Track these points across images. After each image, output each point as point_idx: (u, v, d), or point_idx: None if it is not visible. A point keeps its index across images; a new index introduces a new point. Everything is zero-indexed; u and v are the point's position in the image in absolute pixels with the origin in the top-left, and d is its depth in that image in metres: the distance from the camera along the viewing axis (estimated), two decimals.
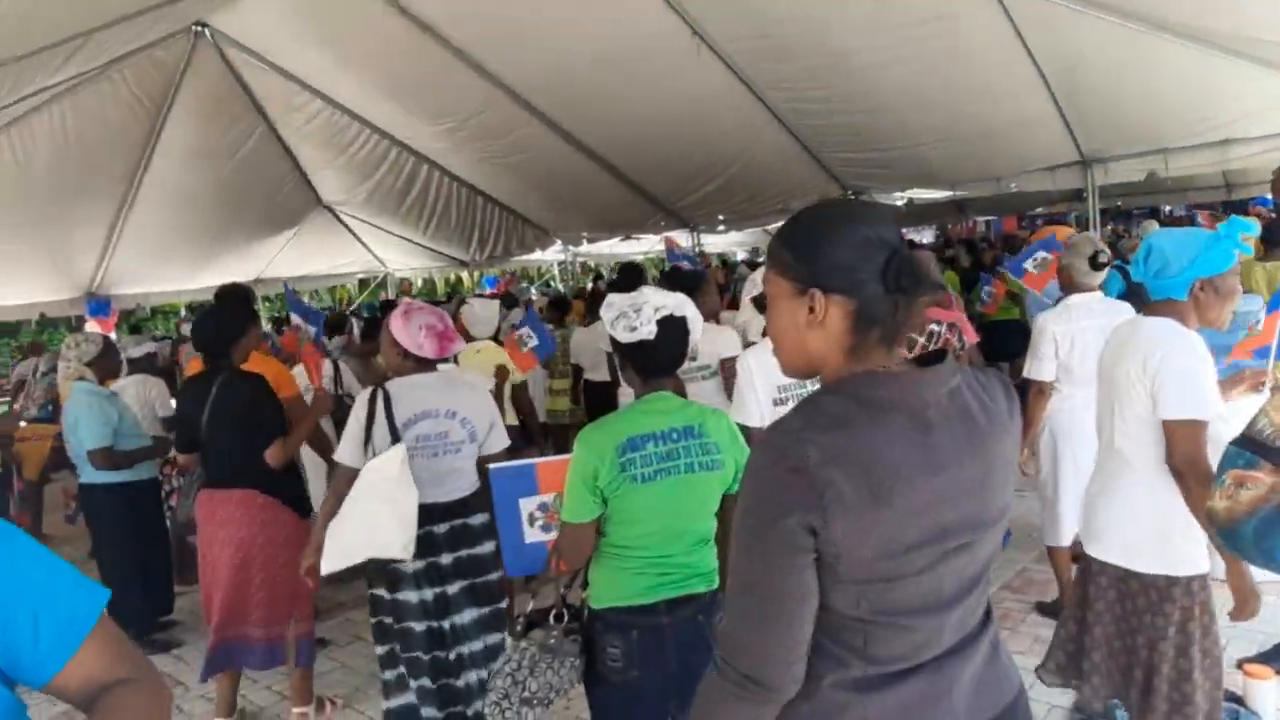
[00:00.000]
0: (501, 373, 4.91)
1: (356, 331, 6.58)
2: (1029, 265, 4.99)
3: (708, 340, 4.07)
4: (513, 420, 5.10)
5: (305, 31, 7.21)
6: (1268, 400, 1.69)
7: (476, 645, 2.95)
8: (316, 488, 4.60)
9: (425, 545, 2.87)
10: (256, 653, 3.48)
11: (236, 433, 3.40)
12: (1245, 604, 2.27)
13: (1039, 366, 3.72)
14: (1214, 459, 1.97)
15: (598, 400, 6.16)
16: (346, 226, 11.02)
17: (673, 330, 2.17)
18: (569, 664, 2.12)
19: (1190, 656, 2.24)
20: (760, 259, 13.96)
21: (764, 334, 2.81)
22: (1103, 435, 2.51)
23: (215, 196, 8.85)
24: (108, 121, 7.18)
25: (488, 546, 2.99)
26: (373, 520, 2.71)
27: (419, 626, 2.90)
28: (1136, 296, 4.43)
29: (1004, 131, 6.76)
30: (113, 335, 8.55)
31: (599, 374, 6.30)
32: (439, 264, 12.49)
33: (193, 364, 5.50)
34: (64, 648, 1.08)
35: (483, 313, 5.27)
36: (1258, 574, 2.16)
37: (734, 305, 6.74)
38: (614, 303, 2.19)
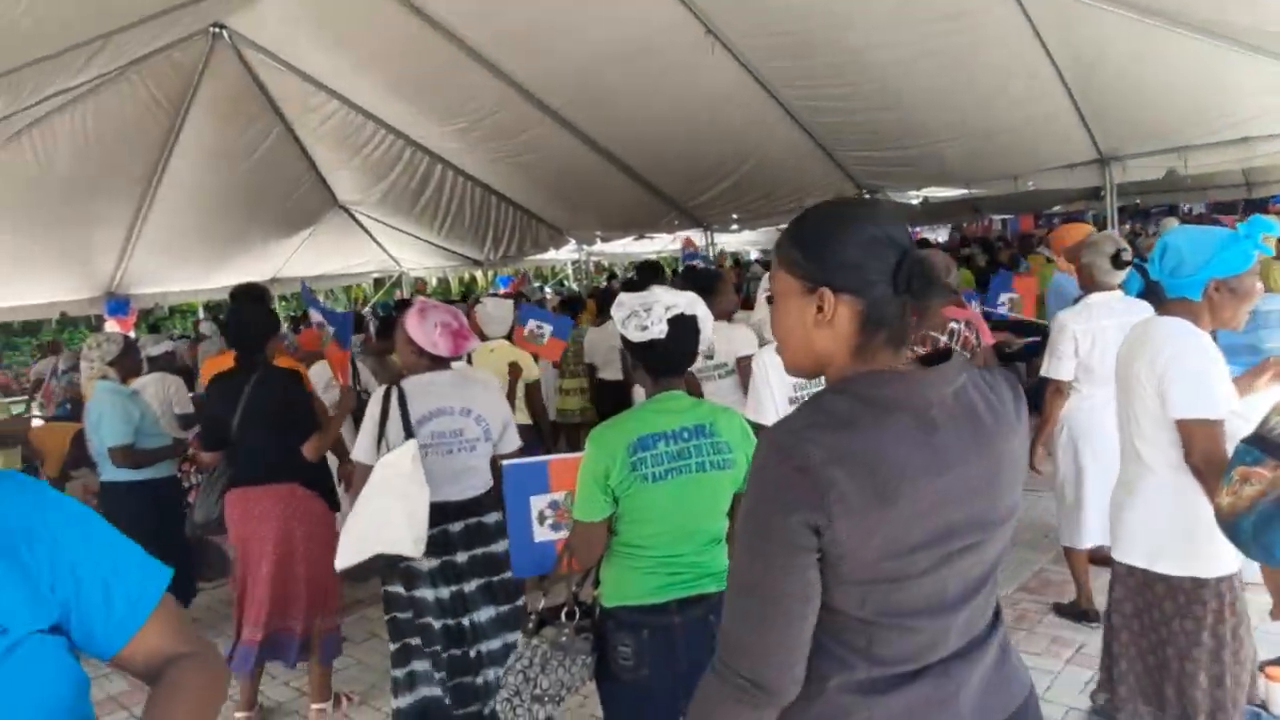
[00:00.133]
0: (515, 371, 4.92)
1: (373, 330, 6.62)
2: (1004, 301, 5.00)
3: (724, 339, 4.07)
4: (525, 419, 5.12)
5: (321, 32, 7.26)
6: None
7: (495, 644, 2.96)
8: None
9: (440, 544, 2.89)
10: (296, 646, 3.51)
11: (273, 428, 3.41)
12: None
13: (1057, 365, 3.69)
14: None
15: (611, 399, 6.16)
16: (362, 226, 11.08)
17: (684, 329, 2.17)
18: (580, 662, 2.12)
19: (1222, 660, 2.21)
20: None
21: None
22: (1123, 437, 2.49)
23: (232, 196, 8.92)
24: (127, 122, 7.26)
25: (503, 544, 3.00)
26: (383, 516, 2.72)
27: (436, 624, 2.92)
28: (1155, 295, 4.41)
29: (1021, 129, 6.72)
30: (131, 334, 8.63)
31: (612, 372, 6.31)
32: (453, 263, 12.54)
33: (209, 362, 5.55)
34: (133, 620, 1.12)
35: (496, 312, 5.28)
36: None
37: (748, 305, 6.74)
38: (625, 302, 2.19)
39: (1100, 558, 4.25)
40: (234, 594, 3.62)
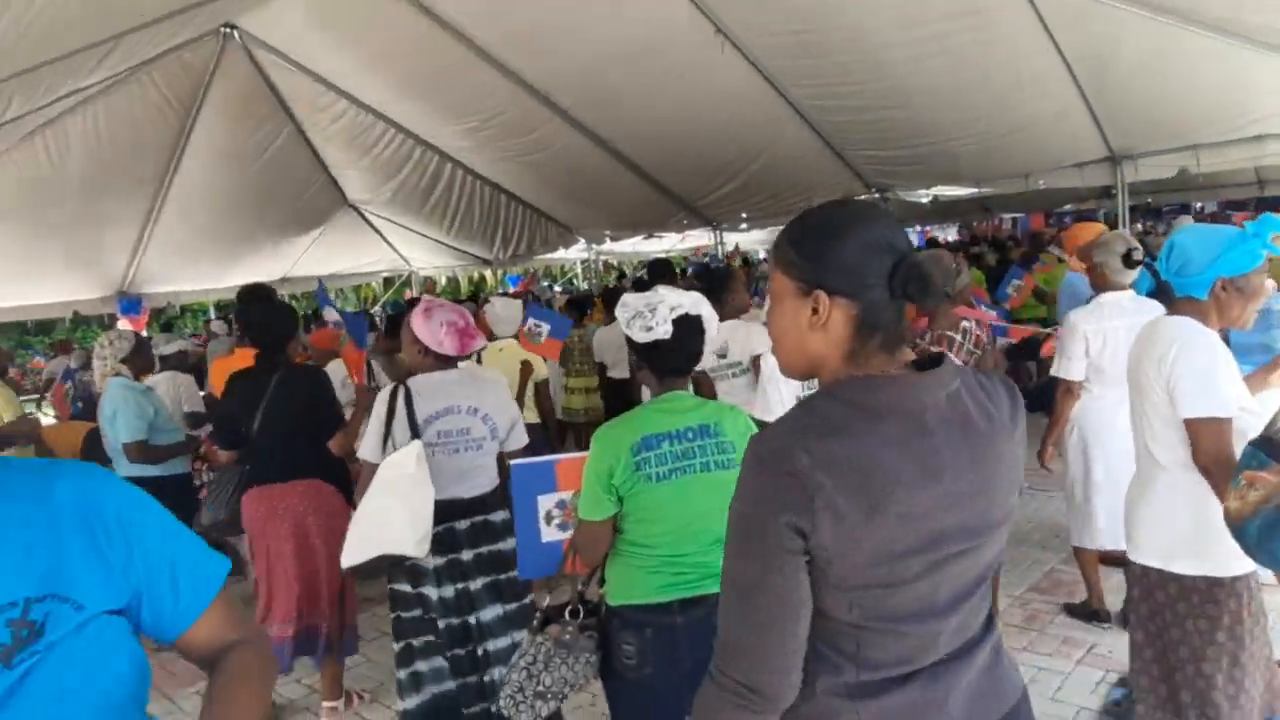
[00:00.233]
0: (525, 370, 4.93)
1: (382, 329, 6.65)
2: (1010, 290, 4.98)
3: (739, 337, 4.07)
4: (534, 418, 5.13)
5: (332, 32, 7.29)
6: None
7: (501, 642, 2.94)
8: None
9: (446, 541, 2.88)
10: (324, 642, 3.52)
11: (299, 426, 3.43)
12: None
13: (1067, 365, 3.68)
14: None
15: (621, 398, 6.17)
16: (371, 225, 11.12)
17: (689, 329, 2.17)
18: (584, 660, 2.13)
19: (1241, 663, 2.20)
20: None
21: None
22: (1136, 437, 2.48)
23: (243, 196, 8.96)
24: (138, 123, 7.30)
25: (510, 542, 2.99)
26: (386, 516, 2.71)
27: (441, 622, 2.92)
28: (1165, 295, 4.39)
29: (1032, 127, 6.69)
30: (143, 333, 8.68)
31: (621, 371, 6.32)
32: (462, 262, 12.57)
33: (216, 362, 5.57)
34: (198, 604, 1.18)
35: (504, 312, 5.29)
36: None
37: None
38: (629, 302, 2.19)
39: (1112, 558, 4.24)
40: (254, 592, 3.63)
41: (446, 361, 2.99)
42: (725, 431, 2.15)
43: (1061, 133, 6.65)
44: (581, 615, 2.17)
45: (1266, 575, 2.21)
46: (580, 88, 7.66)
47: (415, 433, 2.83)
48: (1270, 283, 2.37)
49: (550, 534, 2.57)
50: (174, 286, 10.02)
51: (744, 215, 10.10)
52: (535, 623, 2.20)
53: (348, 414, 3.81)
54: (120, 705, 1.04)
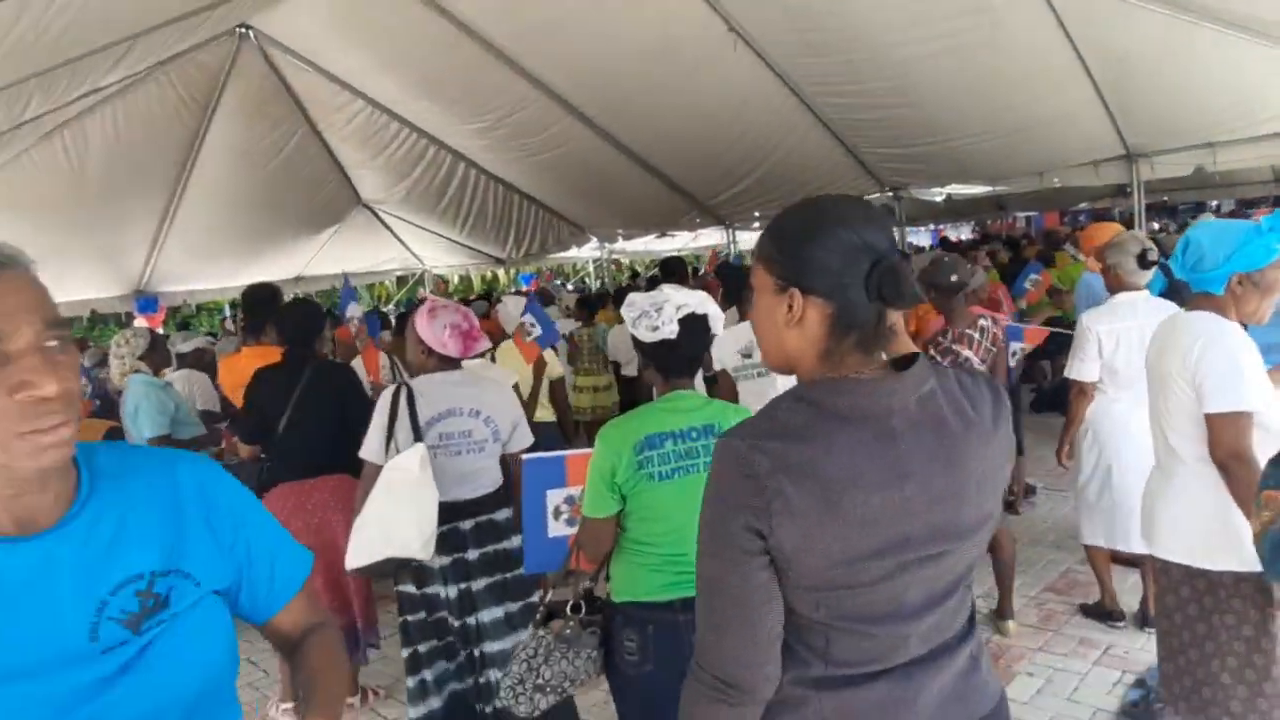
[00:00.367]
0: (540, 368, 4.94)
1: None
2: (1028, 285, 4.94)
3: None
4: (550, 416, 5.14)
5: (346, 32, 7.32)
6: None
7: (501, 644, 2.92)
8: None
9: (452, 541, 2.88)
10: (358, 638, 3.54)
11: (330, 421, 3.44)
12: None
13: (1080, 366, 3.67)
14: (1268, 445, 1.97)
15: (633, 396, 6.19)
16: (385, 225, 11.16)
17: (695, 329, 2.17)
18: (585, 655, 2.13)
19: (1265, 658, 2.19)
20: None
21: None
22: (1157, 434, 2.47)
23: (258, 196, 9.01)
24: (155, 122, 7.35)
25: (514, 541, 2.99)
26: (391, 519, 2.71)
27: (448, 614, 2.92)
28: (1179, 294, 4.37)
29: (1046, 125, 6.65)
30: (160, 330, 8.74)
31: (634, 370, 6.33)
32: (475, 261, 12.59)
33: (225, 361, 5.61)
34: (289, 588, 1.27)
35: (516, 310, 5.32)
36: None
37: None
38: (635, 302, 2.19)
39: (1126, 559, 4.22)
40: None
41: (449, 362, 2.99)
42: None
43: (1076, 130, 6.60)
44: (584, 611, 2.17)
45: None
46: (593, 86, 7.66)
47: (417, 435, 2.82)
48: None
49: (557, 529, 2.58)
50: (190, 285, 10.08)
51: (757, 214, 10.08)
52: (539, 616, 2.21)
53: None
54: (220, 676, 1.12)
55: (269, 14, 6.74)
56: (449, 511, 2.83)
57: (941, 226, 17.92)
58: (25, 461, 0.96)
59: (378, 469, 2.81)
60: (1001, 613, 3.93)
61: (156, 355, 4.59)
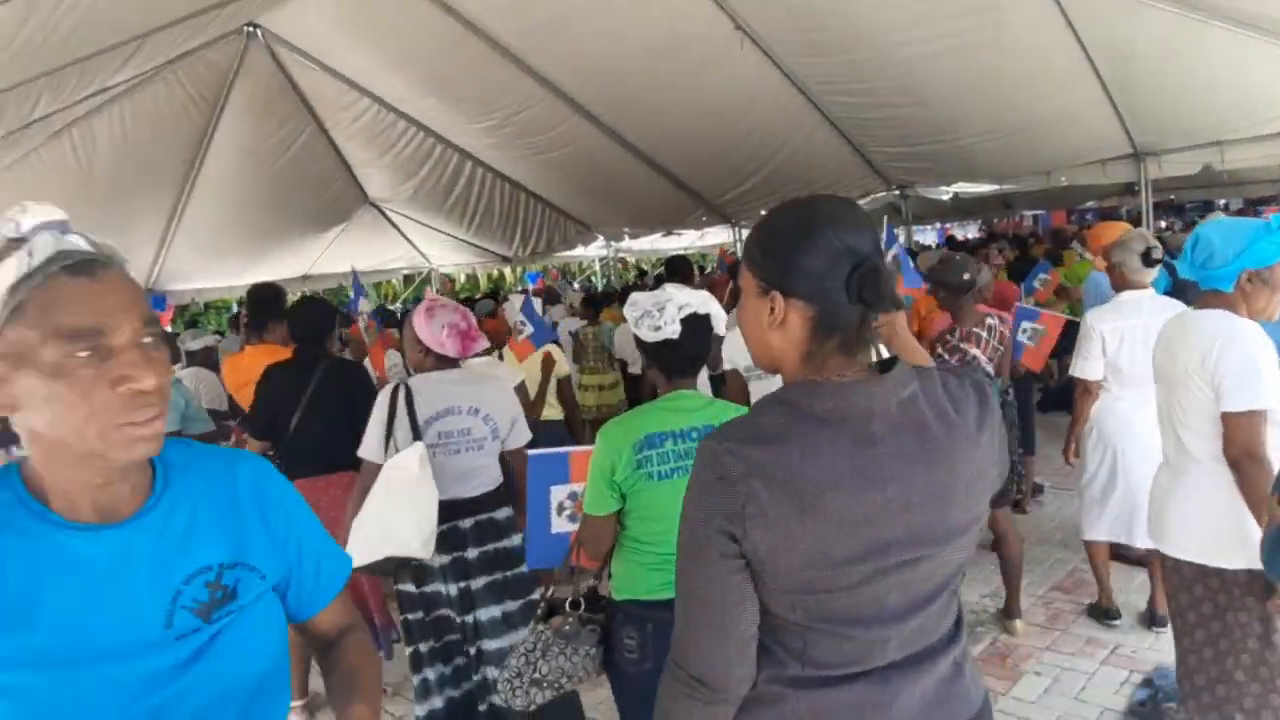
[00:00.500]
0: (548, 366, 4.94)
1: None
2: (1022, 338, 4.91)
3: None
4: (557, 415, 5.14)
5: (353, 31, 7.33)
6: None
7: (498, 642, 2.91)
8: None
9: (451, 541, 2.87)
10: (381, 635, 3.54)
11: (341, 419, 3.44)
12: None
13: (1084, 365, 3.68)
14: (1277, 440, 1.97)
15: (639, 395, 6.20)
16: (392, 223, 11.18)
17: (697, 329, 2.17)
18: (583, 652, 2.14)
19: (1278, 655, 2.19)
20: None
21: None
22: (1166, 432, 2.47)
23: (265, 194, 9.04)
24: (163, 121, 7.38)
25: (514, 539, 2.99)
26: (391, 518, 2.70)
27: (449, 611, 2.92)
28: (1183, 293, 4.36)
29: (1054, 124, 6.63)
30: (168, 329, 8.77)
31: (640, 368, 6.33)
32: (482, 260, 12.61)
33: (228, 360, 5.62)
34: (331, 588, 1.30)
35: (513, 320, 5.32)
36: None
37: None
38: (638, 301, 2.19)
39: (1134, 559, 4.21)
40: None
41: (447, 362, 2.99)
42: None
43: (1084, 129, 6.59)
44: (583, 608, 2.18)
45: None
46: (600, 85, 7.66)
47: (416, 434, 2.82)
48: None
49: (560, 525, 2.58)
50: (197, 284, 10.12)
51: (763, 212, 10.02)
52: (540, 611, 2.22)
53: None
54: (277, 666, 1.17)
55: (277, 13, 6.77)
56: (448, 510, 2.82)
57: (948, 225, 17.89)
58: (120, 453, 1.00)
59: (376, 468, 2.80)
60: (1009, 612, 3.93)
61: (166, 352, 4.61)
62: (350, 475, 3.47)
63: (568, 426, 5.20)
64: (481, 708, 2.93)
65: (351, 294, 7.03)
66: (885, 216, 6.68)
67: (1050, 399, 7.63)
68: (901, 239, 8.87)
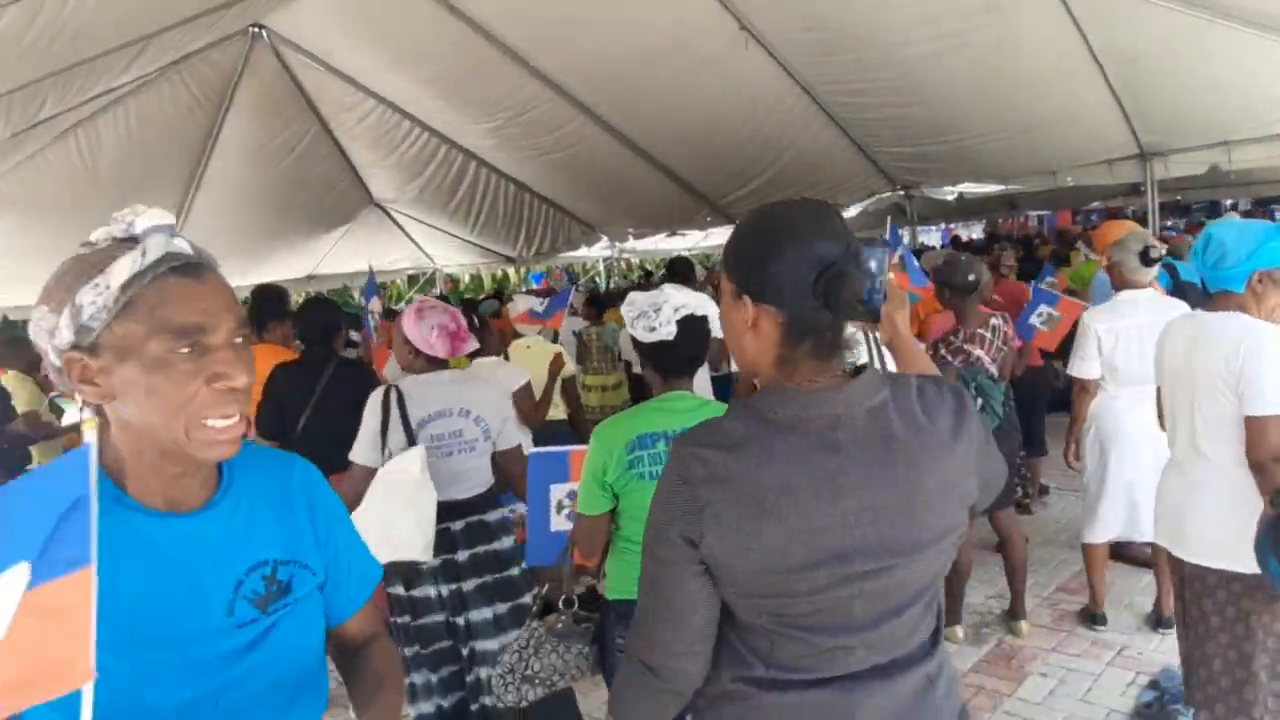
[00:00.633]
0: (555, 366, 4.94)
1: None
2: (1035, 321, 4.85)
3: None
4: (561, 414, 5.14)
5: (358, 31, 7.34)
6: None
7: (491, 644, 2.90)
8: None
9: (442, 542, 2.86)
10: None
11: (350, 419, 3.46)
12: None
13: (1080, 364, 3.70)
14: None
15: (643, 395, 6.18)
16: (397, 224, 11.17)
17: (693, 330, 2.17)
18: (575, 650, 2.14)
19: None
20: None
21: None
22: (1178, 435, 2.45)
23: (270, 195, 9.03)
24: (168, 122, 7.39)
25: (506, 542, 2.98)
26: (392, 521, 2.69)
27: (438, 617, 2.90)
28: (1184, 294, 4.35)
29: (1059, 124, 6.61)
30: None
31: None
32: (486, 260, 12.60)
33: None
34: (361, 594, 1.33)
35: (524, 308, 5.33)
36: None
37: None
38: (635, 301, 2.20)
39: (1140, 560, 4.20)
40: None
41: (437, 363, 2.97)
42: None
43: (1090, 129, 6.57)
44: (578, 606, 2.18)
45: None
46: (604, 86, 7.66)
47: (410, 437, 2.80)
48: None
49: (559, 523, 2.59)
50: None
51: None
52: (535, 609, 2.23)
53: None
54: (321, 661, 1.23)
55: (282, 13, 6.77)
56: (440, 512, 2.81)
57: (953, 225, 17.84)
58: (201, 451, 1.06)
59: (367, 471, 2.79)
60: (1014, 613, 3.91)
61: None
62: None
63: (572, 426, 5.19)
64: (473, 707, 2.91)
65: (363, 295, 7.04)
66: (889, 217, 6.68)
67: (1054, 399, 7.60)
68: (906, 239, 8.85)
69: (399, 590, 2.91)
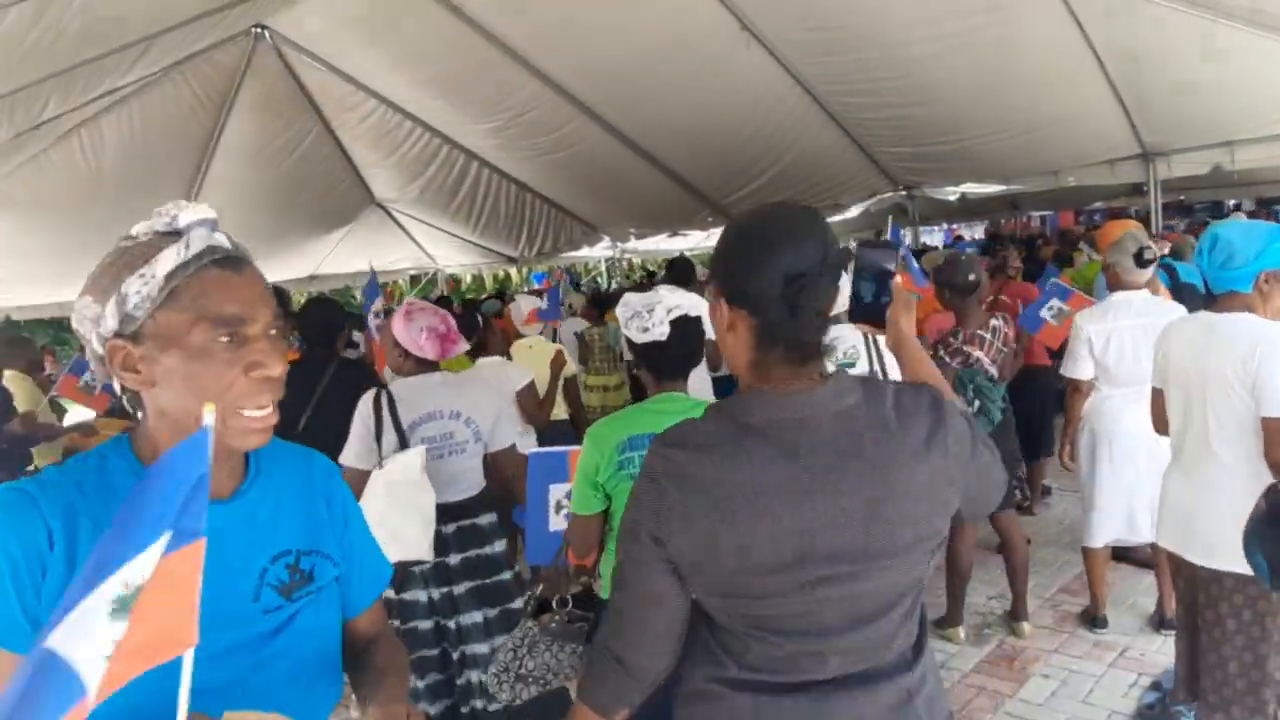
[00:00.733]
0: (557, 365, 4.94)
1: None
2: (1046, 315, 4.82)
3: None
4: (564, 414, 5.14)
5: (360, 32, 7.35)
6: None
7: (482, 647, 2.89)
8: None
9: (434, 546, 2.85)
10: None
11: (351, 417, 3.47)
12: None
13: (1073, 365, 3.71)
14: None
15: (645, 395, 6.17)
16: (398, 224, 11.18)
17: (686, 331, 2.17)
18: (569, 650, 2.14)
19: None
20: None
21: None
22: (1187, 436, 2.45)
23: (272, 195, 9.04)
24: (171, 122, 7.40)
25: (497, 546, 2.98)
26: (396, 521, 2.68)
27: (425, 624, 2.88)
28: (1182, 294, 4.35)
29: (1061, 124, 6.61)
30: None
31: None
32: (488, 260, 12.61)
33: None
34: (373, 591, 1.36)
35: (529, 309, 5.33)
36: None
37: None
38: (629, 301, 2.21)
39: (1141, 560, 4.19)
40: None
41: (426, 365, 2.97)
42: None
43: (1092, 129, 6.56)
44: (571, 606, 2.18)
45: None
46: (606, 85, 7.66)
47: (403, 440, 2.80)
48: None
49: (558, 523, 2.60)
50: None
51: None
52: (530, 608, 2.23)
53: None
54: (338, 649, 1.26)
55: (284, 14, 6.77)
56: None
57: (955, 225, 17.82)
58: (236, 440, 1.09)
59: (359, 474, 2.77)
60: (1016, 614, 3.91)
61: None
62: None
63: (573, 425, 5.19)
64: (464, 710, 2.91)
65: (365, 295, 7.04)
66: (891, 217, 6.68)
67: (1060, 401, 7.59)
68: (908, 239, 8.85)
69: (389, 593, 2.89)
